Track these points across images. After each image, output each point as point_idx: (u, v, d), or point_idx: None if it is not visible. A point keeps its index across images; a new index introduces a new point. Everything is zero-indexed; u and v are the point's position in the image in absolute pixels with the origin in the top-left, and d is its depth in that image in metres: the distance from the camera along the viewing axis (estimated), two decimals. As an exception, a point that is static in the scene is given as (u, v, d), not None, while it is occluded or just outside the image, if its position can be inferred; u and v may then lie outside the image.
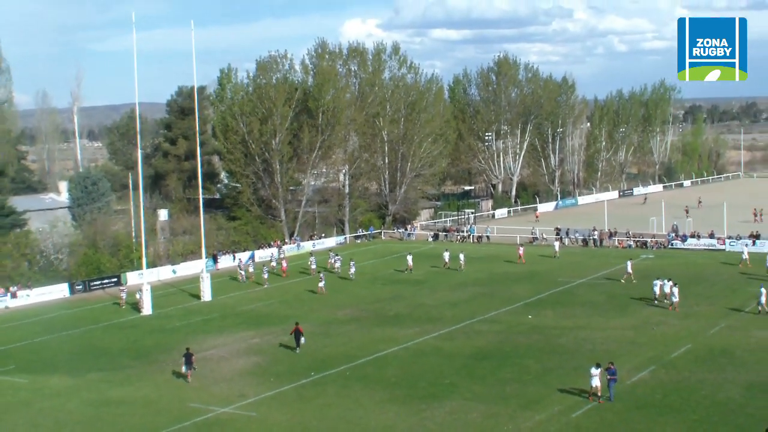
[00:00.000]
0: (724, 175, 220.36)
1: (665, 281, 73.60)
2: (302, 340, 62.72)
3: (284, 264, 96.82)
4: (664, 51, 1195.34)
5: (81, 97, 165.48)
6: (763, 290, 69.05)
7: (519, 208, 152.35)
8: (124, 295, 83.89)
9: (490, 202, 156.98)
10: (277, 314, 74.72)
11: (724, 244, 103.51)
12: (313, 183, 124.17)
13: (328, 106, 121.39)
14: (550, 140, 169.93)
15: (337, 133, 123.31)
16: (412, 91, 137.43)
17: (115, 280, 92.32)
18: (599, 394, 46.87)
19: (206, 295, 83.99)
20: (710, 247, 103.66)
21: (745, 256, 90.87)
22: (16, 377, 58.61)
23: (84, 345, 67.49)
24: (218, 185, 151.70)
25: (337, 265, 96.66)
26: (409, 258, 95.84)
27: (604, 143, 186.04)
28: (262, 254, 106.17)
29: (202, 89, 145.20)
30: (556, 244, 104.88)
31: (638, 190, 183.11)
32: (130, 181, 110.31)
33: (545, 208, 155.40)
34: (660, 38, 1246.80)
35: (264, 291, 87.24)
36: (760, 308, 68.32)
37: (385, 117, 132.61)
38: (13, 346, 67.18)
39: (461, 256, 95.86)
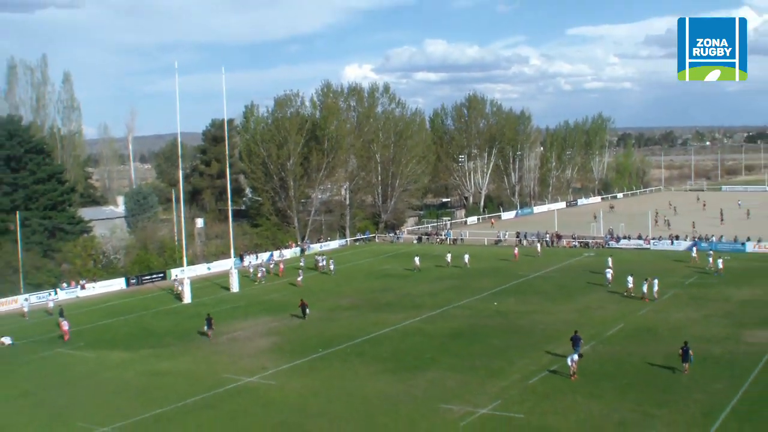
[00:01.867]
0: (649, 188, 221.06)
1: (629, 277, 72.44)
2: (307, 311, 67.62)
3: (281, 266, 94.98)
4: (600, 90, 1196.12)
5: (134, 128, 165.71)
6: (630, 278, 71.33)
7: (486, 216, 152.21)
8: (176, 284, 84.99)
9: (463, 211, 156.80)
10: (292, 303, 74.35)
11: (649, 243, 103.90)
12: (320, 196, 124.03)
13: (332, 135, 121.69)
14: (511, 161, 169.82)
15: (340, 156, 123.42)
16: (400, 122, 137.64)
17: (162, 275, 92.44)
18: (573, 370, 46.20)
19: (234, 287, 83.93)
20: (638, 247, 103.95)
21: (694, 254, 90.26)
22: (85, 352, 58.90)
23: (137, 327, 67.61)
24: (244, 199, 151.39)
25: (323, 263, 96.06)
26: (416, 259, 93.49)
27: (554, 163, 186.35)
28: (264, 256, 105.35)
29: (230, 121, 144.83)
30: (539, 245, 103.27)
31: (581, 201, 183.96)
32: (173, 196, 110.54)
33: (507, 216, 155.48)
34: (597, 80, 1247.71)
35: (281, 284, 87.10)
36: (625, 292, 70.36)
37: (378, 143, 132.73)
38: (82, 328, 67.13)
39: (466, 257, 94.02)
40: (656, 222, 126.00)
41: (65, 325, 64.28)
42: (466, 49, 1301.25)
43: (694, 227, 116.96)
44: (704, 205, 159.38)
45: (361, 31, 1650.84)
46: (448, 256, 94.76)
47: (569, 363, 46.41)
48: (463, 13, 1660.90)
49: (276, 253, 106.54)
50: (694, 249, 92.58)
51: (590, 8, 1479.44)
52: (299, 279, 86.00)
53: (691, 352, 46.56)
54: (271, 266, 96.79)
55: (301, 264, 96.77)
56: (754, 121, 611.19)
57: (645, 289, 69.49)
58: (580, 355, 46.96)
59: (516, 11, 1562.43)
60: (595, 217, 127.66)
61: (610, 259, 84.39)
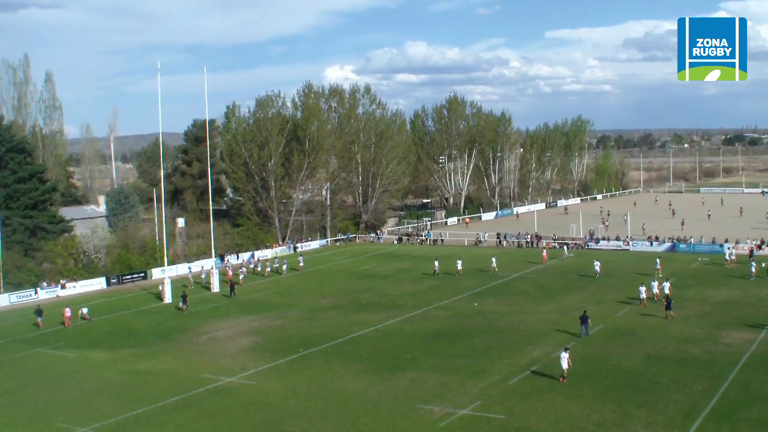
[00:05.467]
0: (628, 190, 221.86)
1: (667, 283, 69.92)
2: (234, 290, 77.90)
3: (229, 272, 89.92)
4: (580, 92, 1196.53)
5: (116, 128, 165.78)
6: (666, 283, 68.92)
7: (466, 217, 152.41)
8: (191, 277, 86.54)
9: (443, 212, 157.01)
10: (272, 303, 74.67)
11: (629, 245, 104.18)
12: (301, 197, 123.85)
13: (314, 135, 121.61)
14: (491, 162, 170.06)
15: (321, 157, 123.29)
16: (380, 123, 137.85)
17: (143, 275, 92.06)
18: (565, 375, 45.38)
19: (215, 287, 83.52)
20: (617, 248, 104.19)
21: (733, 257, 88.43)
22: (66, 352, 58.52)
23: (118, 327, 67.17)
24: (225, 198, 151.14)
25: (276, 264, 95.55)
26: (436, 263, 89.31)
27: (534, 165, 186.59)
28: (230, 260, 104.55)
29: (212, 122, 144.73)
30: (565, 248, 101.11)
31: (561, 203, 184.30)
32: (155, 195, 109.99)
33: (487, 216, 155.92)
34: (576, 82, 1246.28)
35: (262, 284, 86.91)
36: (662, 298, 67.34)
37: (359, 144, 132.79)
38: (62, 327, 66.81)
39: (493, 260, 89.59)
40: (603, 222, 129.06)
41: (67, 312, 67.48)
42: (446, 51, 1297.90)
43: (643, 229, 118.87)
44: (670, 205, 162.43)
45: (343, 33, 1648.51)
46: (459, 263, 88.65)
47: (564, 365, 45.48)
48: (444, 16, 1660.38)
49: (228, 258, 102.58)
50: (727, 251, 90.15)
51: (568, 11, 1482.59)
52: (241, 278, 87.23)
53: (672, 302, 61.12)
54: (251, 267, 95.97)
55: (251, 266, 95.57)
56: (731, 124, 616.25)
57: (643, 294, 67.31)
58: (566, 349, 46.63)
59: (496, 14, 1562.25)
60: (517, 217, 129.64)
61: (658, 260, 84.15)
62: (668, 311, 60.85)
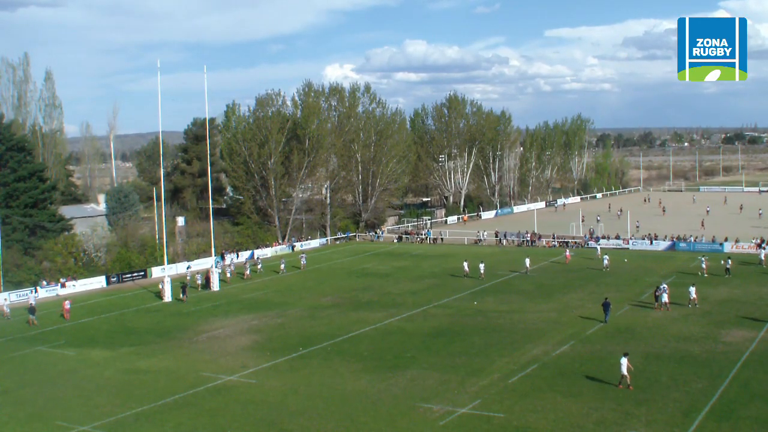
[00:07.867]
0: (628, 189, 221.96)
1: (693, 287, 67.09)
2: (211, 284, 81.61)
3: (209, 274, 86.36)
4: (579, 91, 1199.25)
5: (116, 127, 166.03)
6: (692, 287, 66.48)
7: (464, 215, 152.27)
8: (199, 279, 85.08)
9: (443, 211, 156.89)
10: (272, 301, 74.62)
11: (628, 243, 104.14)
12: (301, 195, 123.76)
13: (313, 134, 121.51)
14: (491, 161, 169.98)
15: (321, 155, 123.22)
16: (380, 121, 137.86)
17: (143, 273, 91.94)
18: (628, 381, 43.80)
19: (215, 285, 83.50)
20: (617, 246, 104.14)
21: (762, 256, 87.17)
22: (66, 350, 58.44)
23: (118, 325, 67.12)
24: (225, 197, 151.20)
25: (259, 266, 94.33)
26: (466, 264, 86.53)
27: (533, 164, 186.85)
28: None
29: (212, 120, 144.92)
30: (598, 247, 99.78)
31: (560, 201, 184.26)
32: (155, 194, 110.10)
33: (487, 215, 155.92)
34: (576, 81, 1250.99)
35: (261, 283, 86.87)
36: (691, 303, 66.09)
37: (359, 142, 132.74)
38: (63, 326, 66.82)
39: (527, 261, 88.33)
40: (583, 220, 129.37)
41: (67, 305, 70.50)
42: (446, 50, 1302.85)
43: (637, 226, 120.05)
44: (660, 203, 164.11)
45: (342, 32, 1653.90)
46: (482, 266, 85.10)
47: (623, 371, 43.87)
48: (443, 14, 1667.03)
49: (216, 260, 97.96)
50: (763, 252, 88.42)
51: (567, 10, 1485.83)
52: (228, 275, 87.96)
53: (659, 295, 65.25)
54: (247, 266, 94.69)
55: (232, 267, 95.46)
56: (731, 123, 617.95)
57: (666, 298, 65.32)
58: (625, 354, 45.13)
59: (495, 12, 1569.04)
60: (479, 214, 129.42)
61: (704, 259, 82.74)
62: (656, 303, 65.58)
